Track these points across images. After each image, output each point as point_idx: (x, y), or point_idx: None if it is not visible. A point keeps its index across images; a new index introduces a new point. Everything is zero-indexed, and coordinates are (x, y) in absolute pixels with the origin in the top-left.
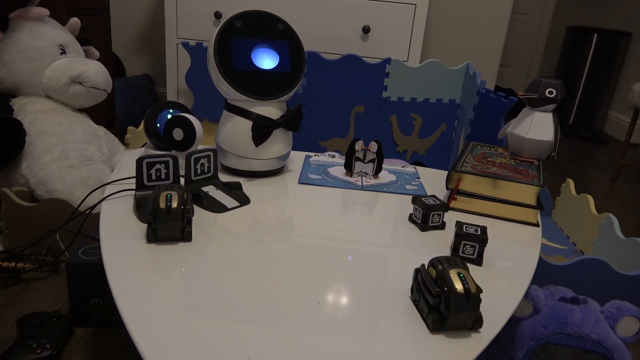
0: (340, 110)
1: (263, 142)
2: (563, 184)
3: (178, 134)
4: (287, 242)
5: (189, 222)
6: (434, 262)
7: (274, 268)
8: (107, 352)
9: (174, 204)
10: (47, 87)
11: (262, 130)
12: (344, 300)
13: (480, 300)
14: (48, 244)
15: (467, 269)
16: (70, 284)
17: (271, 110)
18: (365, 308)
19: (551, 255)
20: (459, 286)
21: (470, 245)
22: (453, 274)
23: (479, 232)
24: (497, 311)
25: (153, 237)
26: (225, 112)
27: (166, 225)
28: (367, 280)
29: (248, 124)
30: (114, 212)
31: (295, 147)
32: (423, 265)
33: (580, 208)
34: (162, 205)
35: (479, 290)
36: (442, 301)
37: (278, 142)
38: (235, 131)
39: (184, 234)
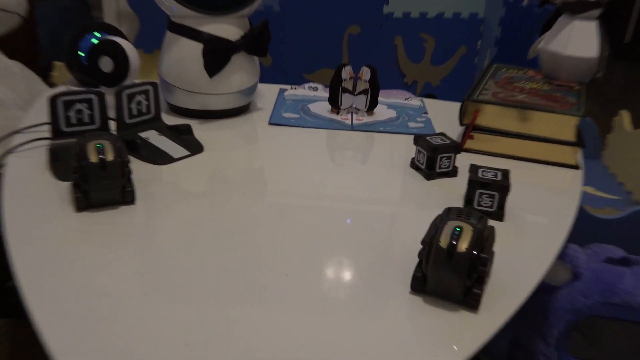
0: (330, 33)
1: (219, 71)
2: (615, 118)
3: (106, 63)
4: (258, 202)
5: (129, 179)
6: (444, 212)
7: (244, 235)
8: (30, 345)
9: (109, 156)
10: None
11: (216, 54)
12: (327, 273)
13: (466, 262)
14: None
15: (481, 225)
16: None
17: (228, 29)
18: (360, 283)
19: (599, 208)
20: (443, 240)
21: (488, 194)
22: (448, 227)
23: (499, 178)
24: (522, 278)
25: (84, 202)
26: (168, 34)
27: (102, 185)
28: (360, 248)
29: (198, 47)
30: (24, 168)
31: (272, 82)
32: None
33: (638, 146)
34: (94, 158)
35: (471, 251)
36: (425, 255)
37: (240, 71)
38: (182, 58)
39: (124, 195)
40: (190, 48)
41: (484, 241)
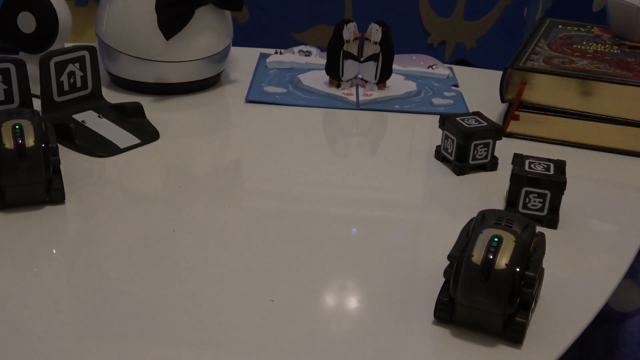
0: None
1: (179, 30)
2: None
3: (26, 21)
4: (231, 207)
5: (57, 171)
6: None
7: (212, 251)
8: None
9: (30, 141)
10: None
11: (174, 9)
12: (323, 303)
13: (507, 283)
14: None
15: (527, 235)
16: None
17: None
18: (369, 312)
19: None
20: (477, 254)
21: (537, 194)
22: (483, 237)
23: (552, 171)
24: (580, 303)
25: None
26: None
27: (20, 179)
28: (369, 266)
29: (152, 2)
30: None
31: (250, 44)
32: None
33: None
34: (10, 144)
35: (514, 268)
36: (453, 274)
37: (205, 32)
38: (128, 14)
39: (51, 192)
40: (139, 2)
41: (530, 255)
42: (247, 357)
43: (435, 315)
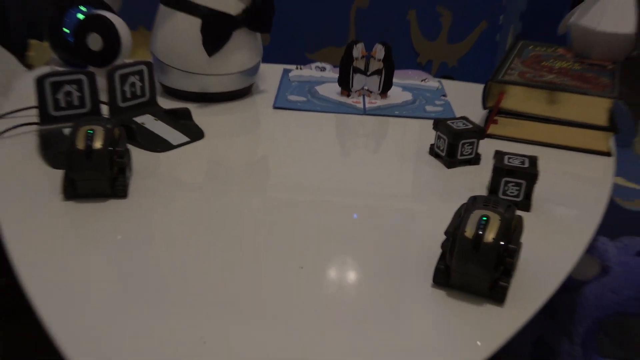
0: (335, 7)
1: (219, 49)
2: None
3: (95, 41)
4: (261, 196)
5: (122, 171)
6: (469, 201)
7: (244, 232)
8: (24, 348)
9: (98, 144)
10: None
11: (216, 31)
12: (336, 274)
13: (493, 254)
14: None
15: (509, 215)
16: None
17: (228, 2)
18: (379, 280)
19: (630, 200)
20: (469, 230)
21: (515, 183)
22: (474, 216)
23: (526, 165)
24: (548, 272)
25: (71, 191)
26: (161, 7)
27: (87, 175)
28: (376, 244)
29: (196, 23)
30: (10, 156)
31: (272, 61)
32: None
33: None
34: (81, 145)
35: (499, 241)
36: (449, 247)
37: (241, 50)
38: (177, 35)
39: (115, 188)
40: (186, 23)
41: (512, 232)
42: (271, 319)
43: (434, 280)
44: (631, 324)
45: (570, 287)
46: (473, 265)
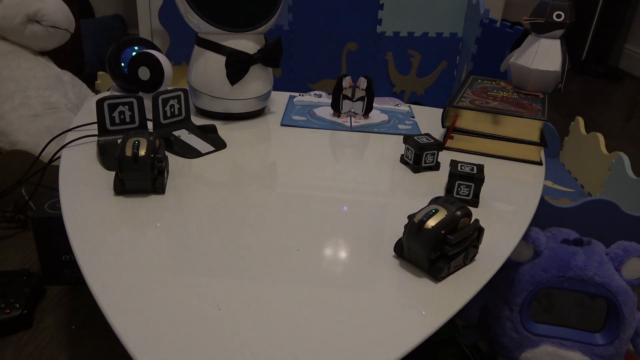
0: (331, 48)
1: (239, 79)
2: (572, 123)
3: (144, 73)
4: (271, 192)
5: (161, 173)
6: (433, 199)
7: (259, 219)
8: (82, 311)
9: (142, 152)
10: (1, 27)
11: (237, 66)
12: (326, 251)
13: (430, 238)
14: (15, 199)
15: (461, 213)
16: (37, 240)
17: (247, 44)
18: (352, 260)
19: (557, 199)
20: (418, 217)
21: (466, 185)
22: (427, 208)
23: (474, 171)
24: (493, 254)
25: (121, 188)
26: (196, 47)
27: (133, 175)
28: (356, 229)
29: (221, 59)
30: (76, 160)
31: (282, 89)
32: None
33: (590, 148)
34: (129, 152)
35: (439, 230)
36: (404, 228)
37: (257, 80)
38: (207, 68)
39: (155, 186)
40: (215, 60)
41: (457, 227)
42: (281, 283)
43: (394, 249)
44: (556, 295)
45: (509, 267)
46: (415, 244)
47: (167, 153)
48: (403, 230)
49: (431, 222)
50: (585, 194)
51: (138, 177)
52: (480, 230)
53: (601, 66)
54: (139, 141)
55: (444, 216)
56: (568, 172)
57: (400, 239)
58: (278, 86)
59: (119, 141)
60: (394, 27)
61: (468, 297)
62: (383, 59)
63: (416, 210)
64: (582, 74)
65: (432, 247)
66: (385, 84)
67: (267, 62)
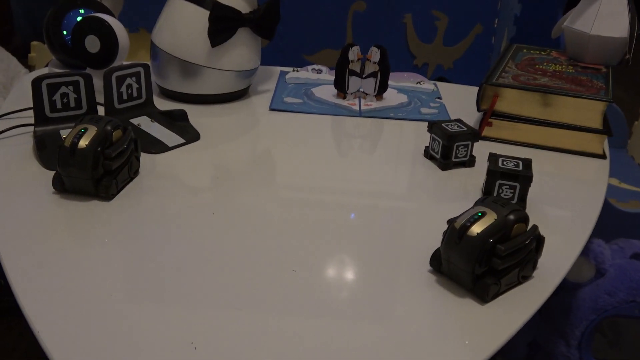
0: (332, 9)
1: (223, 41)
2: None
3: (92, 43)
4: (258, 197)
5: (109, 173)
6: (479, 198)
7: (244, 230)
8: (19, 348)
9: (83, 143)
10: None
11: (222, 23)
12: (330, 271)
13: (475, 247)
14: None
15: (514, 217)
16: None
17: (237, 1)
18: (364, 282)
19: (624, 201)
20: (459, 221)
21: (509, 185)
22: (472, 211)
23: (520, 167)
24: (544, 274)
25: (59, 185)
26: (168, 1)
27: (70, 172)
28: (370, 245)
29: (203, 14)
30: (5, 157)
31: (270, 63)
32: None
33: None
34: (67, 142)
35: (486, 238)
36: (443, 235)
37: (242, 49)
38: (183, 24)
39: (98, 189)
40: (194, 14)
41: (509, 234)
42: (273, 314)
43: (430, 264)
44: (625, 326)
45: (566, 290)
46: (456, 255)
47: None
48: (443, 238)
49: (476, 229)
50: None
51: (75, 174)
52: (540, 240)
53: None
54: (86, 129)
55: (492, 220)
56: (639, 167)
57: (436, 251)
58: (264, 59)
59: (61, 132)
60: None
61: (514, 328)
62: (400, 23)
63: (455, 217)
64: None
65: (478, 260)
66: (404, 56)
67: (259, 28)
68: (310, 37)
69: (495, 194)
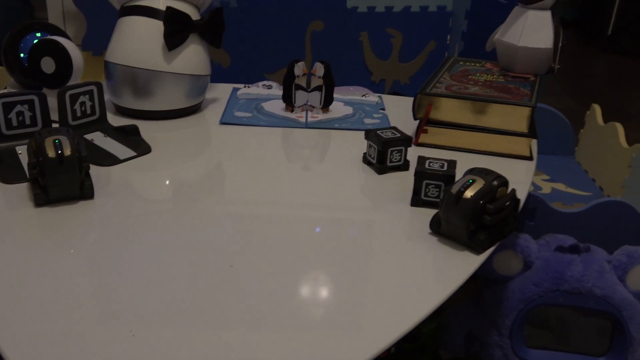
0: (291, 29)
1: (178, 44)
2: (588, 112)
3: (48, 64)
4: (209, 212)
5: (87, 174)
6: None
7: (192, 257)
8: None
9: (67, 151)
10: None
11: (177, 25)
12: (303, 290)
13: (469, 208)
14: None
15: (497, 182)
16: None
17: (186, 7)
18: (332, 299)
19: (570, 204)
20: (455, 188)
21: (434, 185)
22: (464, 179)
23: (445, 168)
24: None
25: (43, 198)
26: (120, 20)
27: (60, 179)
28: (313, 241)
29: (154, 25)
30: None
31: (233, 82)
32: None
33: (608, 141)
34: (52, 153)
35: (477, 199)
36: (440, 201)
37: (194, 54)
38: (135, 35)
39: (83, 189)
40: (145, 25)
41: (494, 197)
42: (239, 333)
43: (430, 227)
44: (551, 314)
45: (496, 282)
46: (454, 215)
47: None
48: (440, 203)
49: (469, 193)
50: (604, 197)
51: (65, 181)
52: (516, 201)
53: (632, 41)
54: (59, 139)
55: (481, 186)
56: (585, 173)
57: (435, 216)
58: (226, 78)
59: (17, 149)
60: (368, 0)
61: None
62: (356, 41)
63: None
64: (608, 51)
65: (472, 218)
66: (361, 72)
67: (208, 35)
68: (271, 57)
69: (422, 194)
